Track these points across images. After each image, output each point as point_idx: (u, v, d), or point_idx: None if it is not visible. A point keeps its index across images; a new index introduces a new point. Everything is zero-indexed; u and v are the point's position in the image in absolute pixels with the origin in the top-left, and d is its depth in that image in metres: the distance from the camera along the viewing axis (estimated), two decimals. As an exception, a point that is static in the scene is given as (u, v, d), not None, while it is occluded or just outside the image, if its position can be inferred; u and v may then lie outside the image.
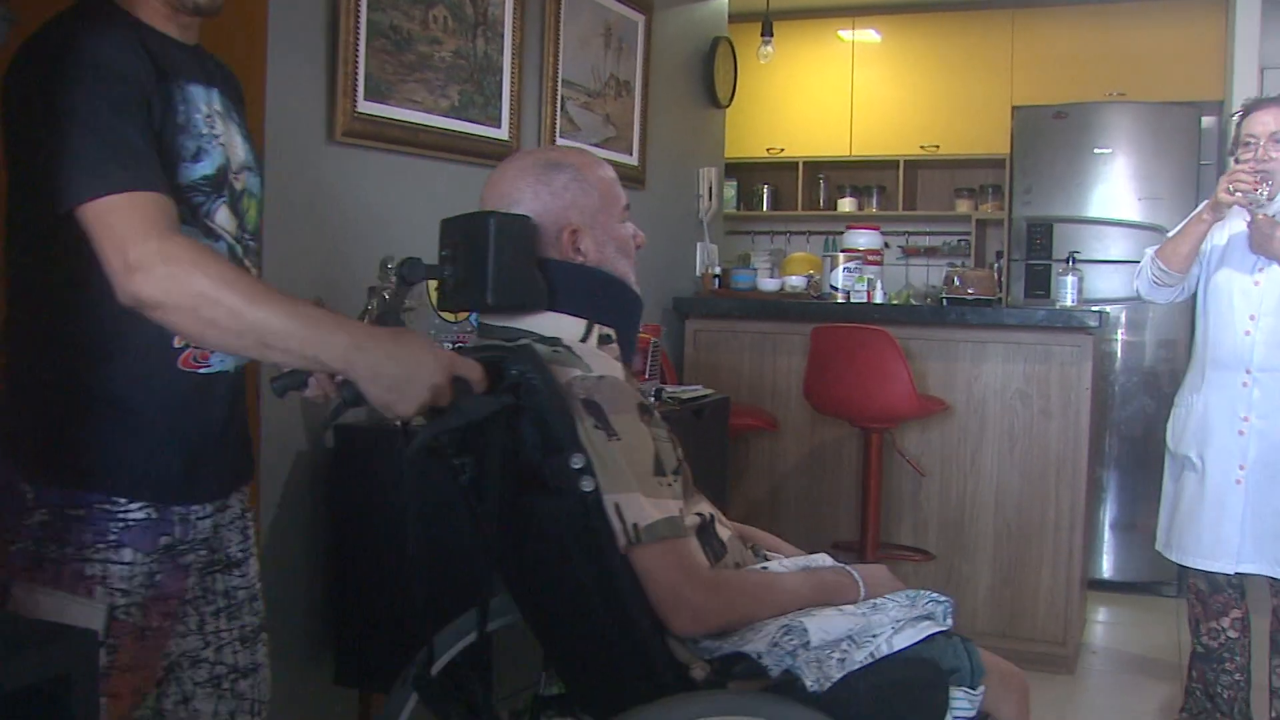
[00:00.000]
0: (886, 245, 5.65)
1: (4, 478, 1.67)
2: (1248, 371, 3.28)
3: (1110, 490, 5.65)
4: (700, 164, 5.30)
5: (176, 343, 1.69)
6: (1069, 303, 4.66)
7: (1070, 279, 4.70)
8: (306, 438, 2.90)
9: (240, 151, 1.81)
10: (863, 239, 5.16)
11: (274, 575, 2.41)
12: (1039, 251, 5.81)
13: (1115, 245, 5.66)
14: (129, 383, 1.67)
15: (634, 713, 1.60)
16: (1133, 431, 5.62)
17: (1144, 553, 5.52)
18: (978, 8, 6.76)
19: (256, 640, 1.94)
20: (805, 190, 7.36)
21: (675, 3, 5.01)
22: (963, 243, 7.17)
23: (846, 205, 7.28)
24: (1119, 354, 5.66)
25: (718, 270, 5.25)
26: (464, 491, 1.83)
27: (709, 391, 3.84)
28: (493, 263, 1.75)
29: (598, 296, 1.87)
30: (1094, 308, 4.47)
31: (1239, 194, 3.16)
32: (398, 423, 1.69)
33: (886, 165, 7.14)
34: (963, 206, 7.08)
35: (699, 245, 5.25)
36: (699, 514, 1.83)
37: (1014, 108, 6.36)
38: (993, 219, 6.95)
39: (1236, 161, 3.28)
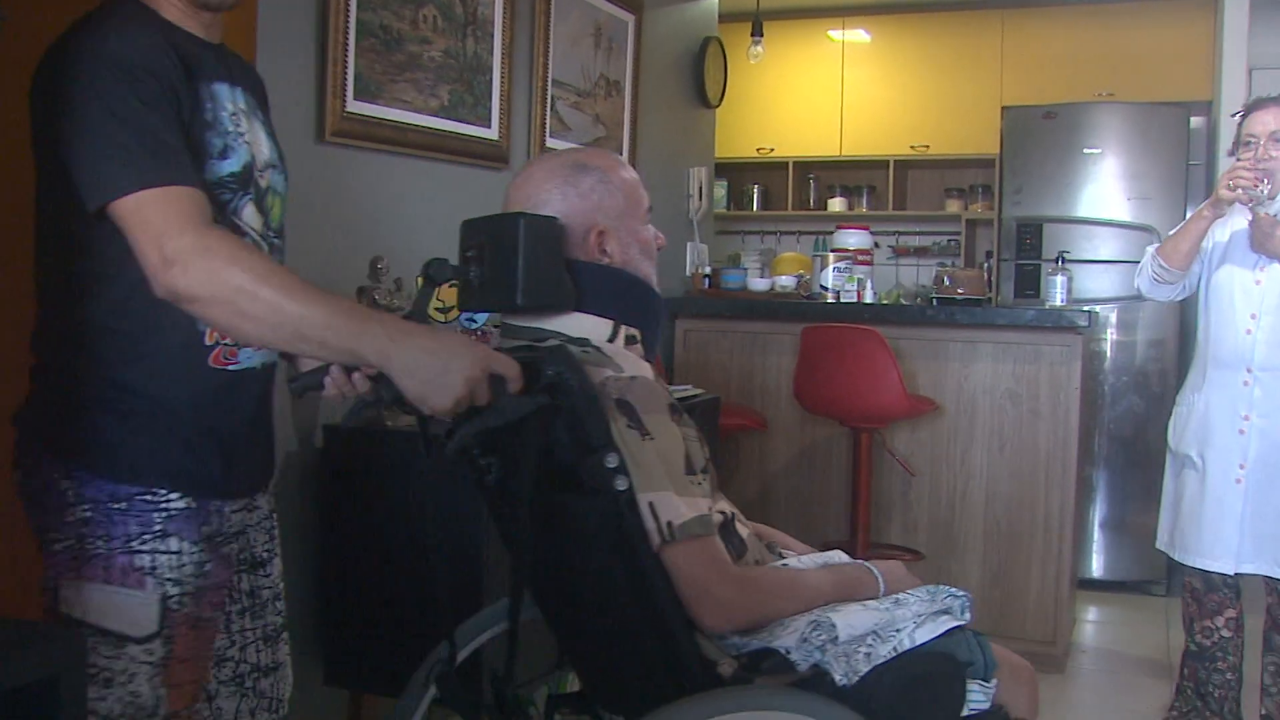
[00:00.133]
0: (876, 245, 5.65)
1: (43, 477, 1.68)
2: (1249, 370, 3.29)
3: (1100, 490, 5.66)
4: (690, 164, 5.30)
5: (207, 340, 1.71)
6: (1058, 303, 4.67)
7: (1060, 279, 4.70)
8: (296, 437, 2.89)
9: (265, 149, 1.82)
10: (853, 239, 5.16)
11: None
12: (1028, 251, 5.82)
13: (1105, 245, 5.67)
14: (160, 380, 1.68)
15: (678, 705, 1.62)
16: (1122, 431, 5.64)
17: (1133, 552, 5.55)
18: (967, 8, 6.77)
19: (278, 639, 1.96)
20: (795, 190, 7.36)
21: (665, 2, 5.01)
22: (952, 243, 7.18)
23: (836, 205, 7.28)
24: (1109, 354, 5.67)
25: (708, 270, 5.26)
26: (490, 491, 1.84)
27: (699, 391, 3.84)
28: (523, 263, 1.75)
29: (623, 297, 1.88)
30: (1083, 308, 4.48)
31: (1240, 190, 3.16)
32: (415, 422, 1.69)
33: (876, 165, 7.15)
34: (952, 206, 7.09)
35: (689, 245, 5.25)
36: (721, 512, 1.85)
37: (1004, 108, 6.37)
38: (982, 219, 6.96)
39: (1238, 161, 3.29)
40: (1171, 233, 3.50)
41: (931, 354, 4.37)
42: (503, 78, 3.71)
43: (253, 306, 1.50)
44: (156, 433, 1.68)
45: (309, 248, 2.92)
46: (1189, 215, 3.48)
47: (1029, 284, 5.79)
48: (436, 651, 1.93)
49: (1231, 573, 3.32)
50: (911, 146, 6.92)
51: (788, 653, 1.72)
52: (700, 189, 5.31)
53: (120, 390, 1.67)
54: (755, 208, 7.52)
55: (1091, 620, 5.12)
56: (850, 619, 1.75)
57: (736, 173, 7.43)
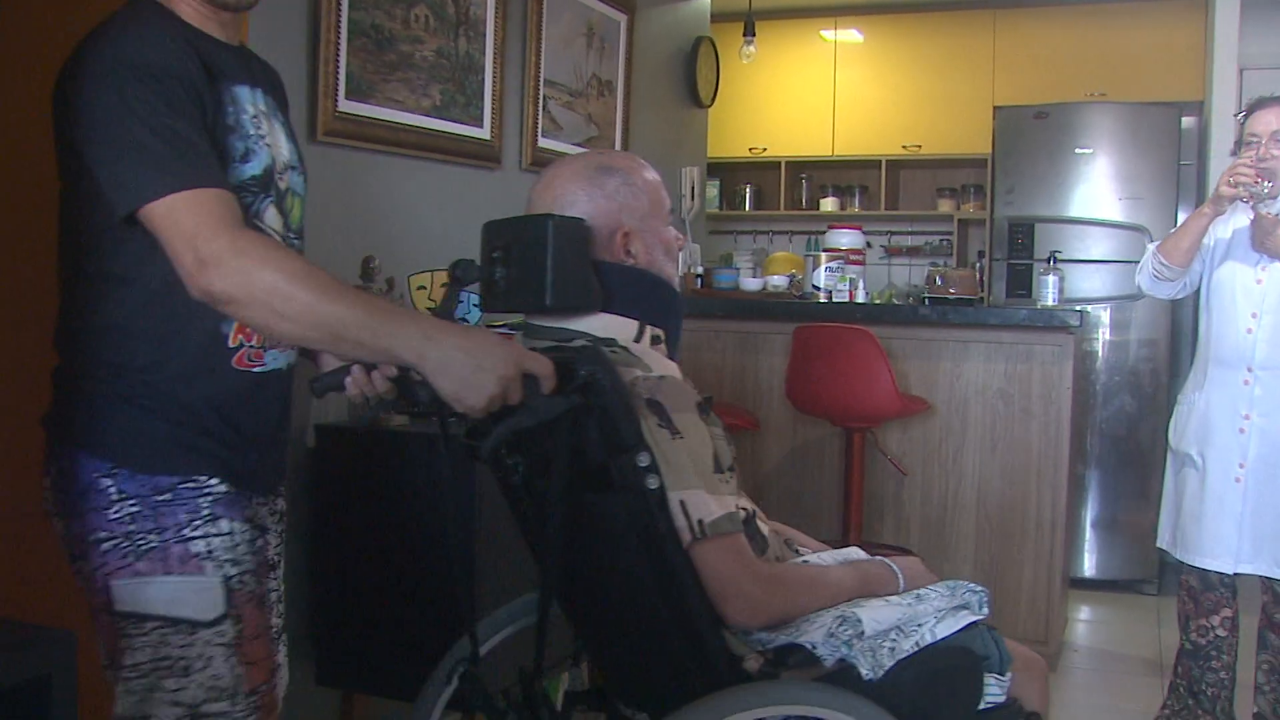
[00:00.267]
0: (869, 245, 5.66)
1: (81, 479, 1.69)
2: (1249, 369, 3.28)
3: (1092, 489, 5.67)
4: (683, 163, 5.30)
5: (231, 342, 1.73)
6: (1050, 302, 4.68)
7: (1051, 278, 4.71)
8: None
9: (285, 151, 1.84)
10: (845, 238, 5.17)
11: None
12: (1020, 251, 5.83)
13: (1096, 245, 5.68)
14: (184, 382, 1.70)
15: (706, 700, 1.64)
16: (1114, 430, 5.65)
17: (1125, 551, 5.56)
18: (959, 8, 6.78)
19: (279, 640, 1.97)
20: (788, 190, 7.37)
21: (657, 2, 5.01)
22: (944, 242, 7.18)
23: (829, 205, 7.29)
24: (1101, 353, 5.68)
25: (700, 270, 5.25)
26: (515, 491, 1.86)
27: (691, 391, 3.83)
28: (552, 265, 1.76)
29: (648, 298, 1.90)
30: (1075, 307, 4.49)
31: (1240, 188, 3.16)
32: (428, 420, 1.71)
33: (869, 165, 7.15)
34: (944, 206, 7.09)
35: (682, 245, 5.25)
36: (743, 509, 1.86)
37: (996, 108, 6.37)
38: (974, 219, 6.97)
39: (1238, 159, 3.29)
40: (1172, 230, 3.50)
41: (923, 354, 4.37)
42: (495, 77, 3.71)
43: (288, 307, 1.51)
44: (190, 430, 1.71)
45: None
46: (1180, 215, 3.48)
47: (1021, 284, 5.80)
48: (456, 648, 1.96)
49: (1230, 572, 3.31)
50: (904, 146, 6.93)
51: (814, 648, 1.75)
52: (693, 189, 5.31)
53: (150, 390, 1.69)
54: (747, 207, 7.52)
55: (1083, 619, 5.13)
56: (875, 614, 1.78)
57: (729, 172, 7.43)
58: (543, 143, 4.05)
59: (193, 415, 1.71)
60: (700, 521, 1.70)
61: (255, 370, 1.77)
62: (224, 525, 1.72)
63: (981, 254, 6.74)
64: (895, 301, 6.34)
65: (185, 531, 1.68)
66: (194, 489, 1.70)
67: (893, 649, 1.75)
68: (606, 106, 4.52)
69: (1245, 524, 3.27)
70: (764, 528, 1.95)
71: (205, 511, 1.70)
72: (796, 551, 2.07)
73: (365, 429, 2.85)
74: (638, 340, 1.86)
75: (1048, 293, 4.70)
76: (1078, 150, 5.73)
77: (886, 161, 7.06)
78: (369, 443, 2.83)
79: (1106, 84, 6.33)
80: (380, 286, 2.94)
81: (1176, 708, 3.50)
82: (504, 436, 1.60)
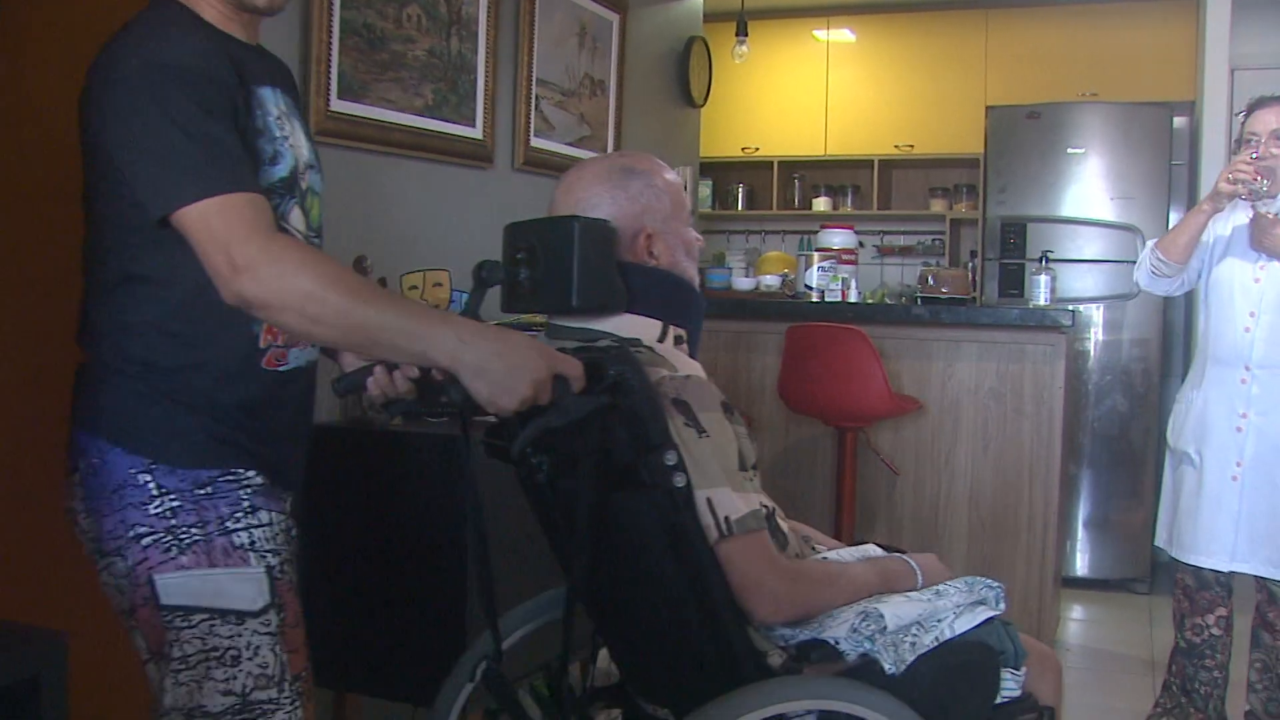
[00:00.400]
0: (861, 244, 5.67)
1: (116, 475, 1.70)
2: (1247, 368, 3.29)
3: (1083, 488, 5.68)
4: (675, 163, 5.30)
5: (261, 343, 1.75)
6: (1042, 302, 4.69)
7: (1043, 278, 4.72)
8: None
9: (305, 150, 1.85)
10: (837, 238, 5.17)
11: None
12: (1012, 251, 5.84)
13: (1088, 245, 5.69)
14: (218, 384, 1.73)
15: (730, 696, 1.66)
16: (1107, 430, 5.66)
17: (1117, 550, 5.57)
18: (952, 8, 6.79)
19: None
20: (780, 189, 7.37)
21: (650, 2, 5.01)
22: (937, 242, 7.19)
23: (821, 204, 7.29)
24: (1093, 353, 5.69)
25: (693, 269, 5.25)
26: (539, 490, 1.88)
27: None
28: (578, 266, 1.78)
29: (671, 299, 1.92)
30: (1067, 307, 4.49)
31: (1239, 184, 3.17)
32: (442, 419, 1.73)
33: (861, 165, 7.15)
34: (937, 206, 7.10)
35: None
36: (765, 506, 1.89)
37: (988, 108, 6.39)
38: (967, 218, 6.97)
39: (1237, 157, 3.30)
40: (1171, 227, 3.51)
41: (916, 353, 4.38)
42: (487, 77, 3.71)
43: (323, 312, 1.52)
44: (225, 425, 1.73)
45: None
46: (1172, 215, 3.48)
47: (1013, 283, 5.81)
48: (477, 645, 1.97)
49: (1226, 570, 3.32)
50: (896, 146, 6.93)
51: (837, 643, 1.78)
52: (685, 188, 5.31)
53: (187, 388, 1.71)
54: (740, 207, 7.52)
55: (1075, 618, 5.14)
56: (896, 610, 1.81)
57: (721, 172, 7.44)
58: (535, 142, 4.05)
59: (226, 413, 1.73)
60: (727, 519, 1.72)
61: (281, 369, 1.79)
62: (263, 516, 1.75)
63: (974, 254, 6.76)
64: (888, 301, 6.35)
65: (228, 524, 1.71)
66: (233, 481, 1.73)
67: (914, 644, 1.78)
68: (599, 106, 4.52)
69: (1241, 522, 3.27)
70: (784, 525, 1.98)
71: (245, 503, 1.73)
72: (814, 549, 2.11)
73: (357, 429, 2.85)
74: (661, 340, 1.88)
75: (1040, 292, 4.70)
76: (1070, 150, 5.75)
77: (879, 161, 7.06)
78: (361, 443, 2.83)
79: (1098, 84, 6.34)
80: (372, 286, 2.93)
81: (1169, 705, 3.51)
82: (534, 436, 1.62)
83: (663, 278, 1.91)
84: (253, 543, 1.73)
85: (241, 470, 1.73)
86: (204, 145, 1.56)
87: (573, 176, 1.94)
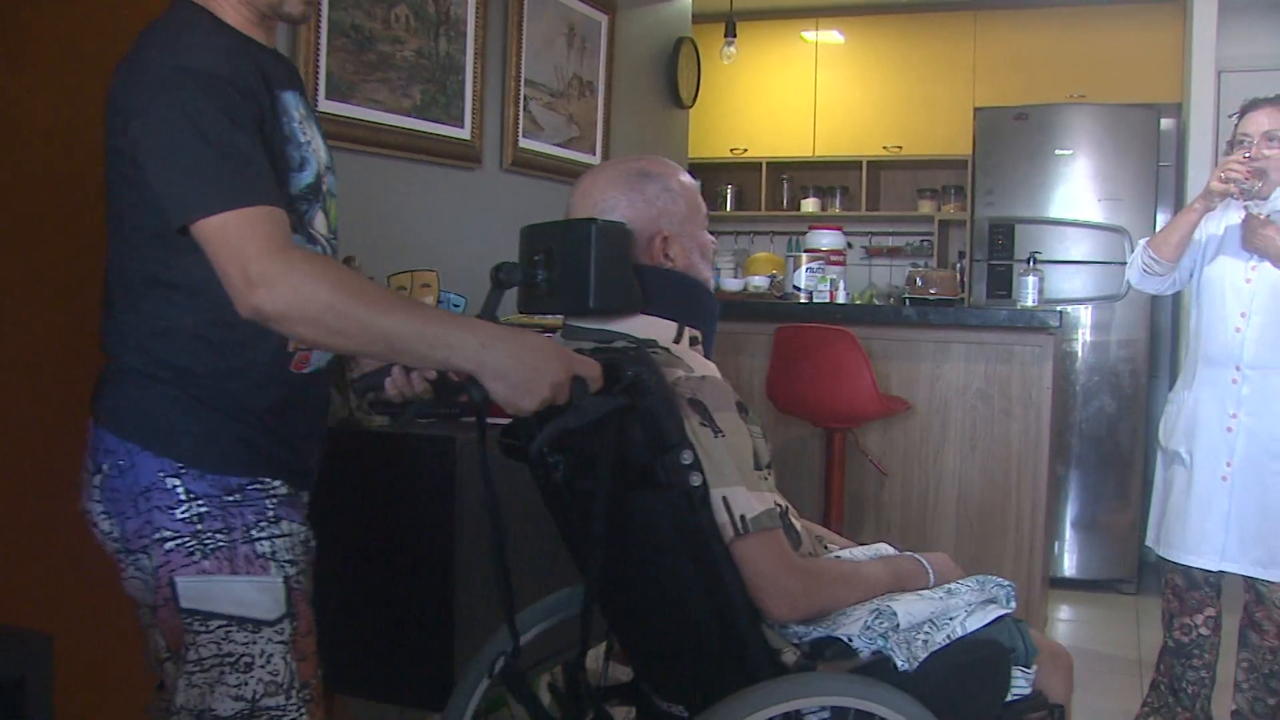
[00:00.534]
0: (849, 245, 5.67)
1: (144, 478, 1.71)
2: (1237, 368, 3.29)
3: (1071, 489, 5.69)
4: (664, 164, 5.30)
5: (290, 346, 1.76)
6: (1030, 303, 4.70)
7: (1031, 279, 4.73)
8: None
9: (323, 153, 1.86)
10: (826, 239, 5.17)
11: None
12: (1000, 252, 5.85)
13: (1076, 246, 5.70)
14: (252, 390, 1.75)
15: (750, 691, 1.67)
16: (1094, 431, 5.67)
17: (1105, 551, 5.58)
18: (940, 10, 6.80)
19: None
20: (769, 191, 7.38)
21: (638, 3, 5.01)
22: (925, 243, 7.20)
23: (810, 206, 7.30)
24: (1080, 354, 5.70)
25: (681, 270, 5.24)
26: (554, 489, 1.90)
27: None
28: (595, 267, 1.80)
29: (686, 300, 1.94)
30: (1055, 308, 4.50)
31: (1231, 183, 3.17)
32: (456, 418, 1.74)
33: (849, 166, 7.17)
34: (925, 207, 7.11)
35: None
36: (779, 504, 1.90)
37: (976, 109, 6.39)
38: (955, 219, 6.99)
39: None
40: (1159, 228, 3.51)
41: (904, 354, 4.38)
42: (475, 78, 3.71)
43: (342, 323, 1.53)
44: (256, 431, 1.75)
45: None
46: (1159, 217, 3.49)
47: (1001, 284, 5.82)
48: (493, 640, 2.00)
49: (1215, 569, 3.32)
50: (884, 147, 6.94)
51: (850, 641, 1.81)
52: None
53: (221, 394, 1.72)
54: (728, 208, 7.53)
55: (1063, 619, 5.15)
56: (909, 608, 1.84)
57: (710, 173, 7.43)
58: (523, 143, 4.05)
59: (257, 418, 1.75)
60: (743, 517, 1.74)
61: (305, 372, 1.81)
62: (285, 526, 1.77)
63: (962, 255, 6.76)
64: (876, 302, 6.35)
65: (252, 532, 1.73)
66: (260, 490, 1.74)
67: (926, 641, 1.81)
68: (587, 107, 4.52)
69: (1231, 522, 3.27)
70: (797, 524, 1.99)
71: (270, 512, 1.75)
72: (828, 548, 2.12)
73: (344, 430, 2.84)
74: (677, 341, 1.90)
75: (1028, 293, 4.71)
76: (1057, 152, 5.76)
77: (867, 162, 7.07)
78: (353, 444, 2.82)
79: (1086, 86, 6.36)
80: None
81: (1156, 705, 3.51)
82: (552, 436, 1.63)
83: (678, 280, 1.93)
84: (274, 552, 1.74)
85: (268, 480, 1.76)
86: (228, 157, 1.56)
87: (589, 180, 1.96)
